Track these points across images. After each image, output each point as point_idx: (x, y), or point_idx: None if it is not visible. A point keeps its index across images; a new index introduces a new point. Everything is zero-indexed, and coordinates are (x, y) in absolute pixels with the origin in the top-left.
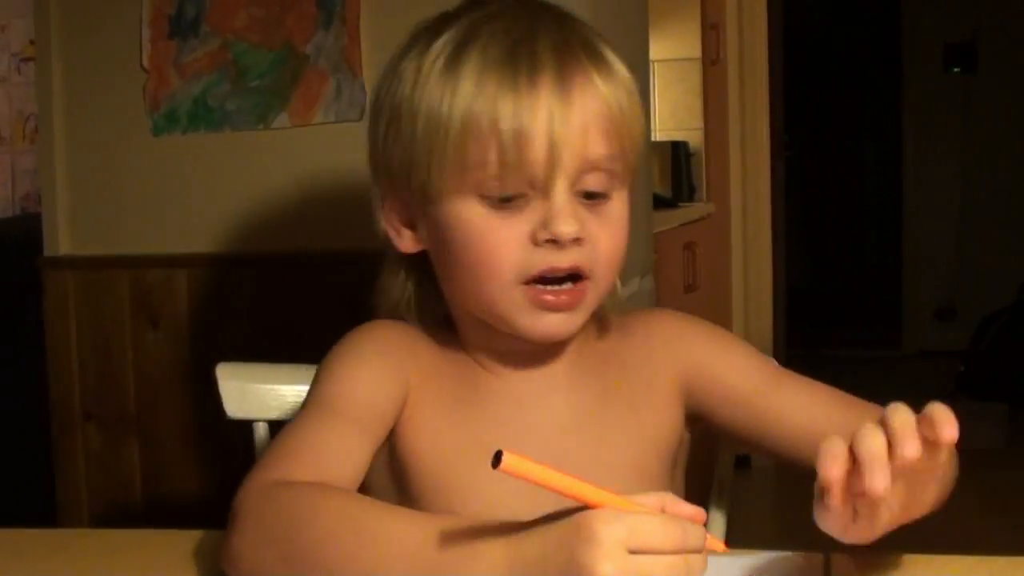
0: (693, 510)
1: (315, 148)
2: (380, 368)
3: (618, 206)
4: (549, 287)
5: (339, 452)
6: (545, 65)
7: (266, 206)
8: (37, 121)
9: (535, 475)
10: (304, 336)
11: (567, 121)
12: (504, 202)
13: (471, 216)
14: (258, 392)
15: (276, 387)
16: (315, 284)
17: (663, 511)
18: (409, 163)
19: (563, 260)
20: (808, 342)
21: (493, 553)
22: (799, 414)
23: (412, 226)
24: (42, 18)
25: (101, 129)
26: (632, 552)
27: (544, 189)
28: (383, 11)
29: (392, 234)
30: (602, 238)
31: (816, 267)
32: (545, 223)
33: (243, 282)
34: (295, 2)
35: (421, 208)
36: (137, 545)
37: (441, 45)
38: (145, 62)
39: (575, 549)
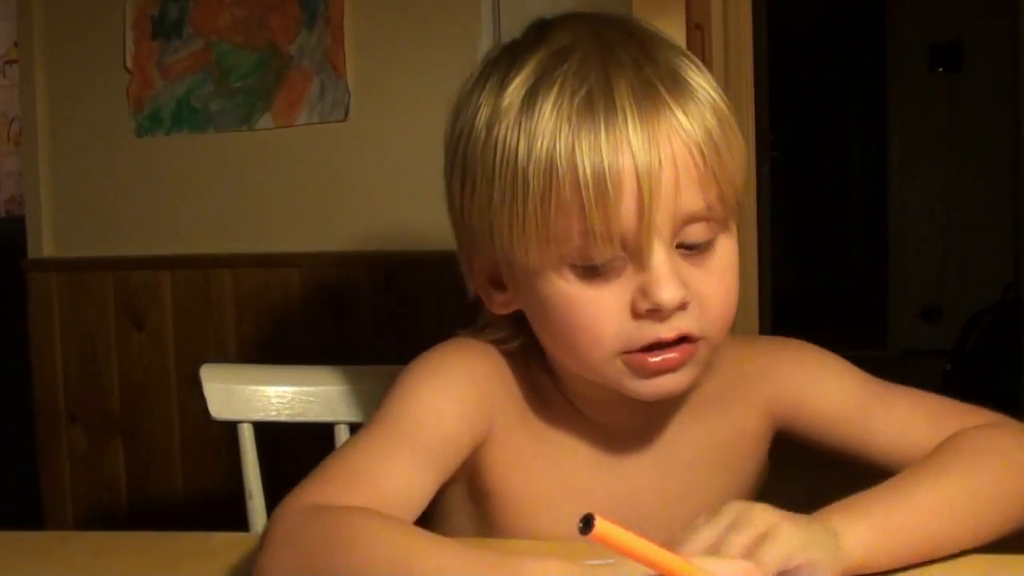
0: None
1: (299, 149)
2: (465, 396)
3: (724, 252)
4: (654, 352)
5: (400, 480)
6: (626, 115)
7: (250, 207)
8: (21, 123)
9: (626, 544)
10: (289, 338)
11: (656, 176)
12: (596, 270)
13: (562, 289)
14: (243, 393)
15: (261, 388)
16: (300, 285)
17: None
18: (490, 229)
19: (669, 331)
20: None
21: None
22: (896, 436)
23: (502, 286)
24: (25, 20)
25: (85, 131)
26: None
27: (638, 252)
28: (367, 11)
29: (482, 295)
30: (710, 293)
31: (802, 268)
32: (644, 291)
33: (228, 283)
34: (278, 3)
35: (508, 271)
36: (122, 547)
37: (510, 96)
38: (129, 63)
39: None
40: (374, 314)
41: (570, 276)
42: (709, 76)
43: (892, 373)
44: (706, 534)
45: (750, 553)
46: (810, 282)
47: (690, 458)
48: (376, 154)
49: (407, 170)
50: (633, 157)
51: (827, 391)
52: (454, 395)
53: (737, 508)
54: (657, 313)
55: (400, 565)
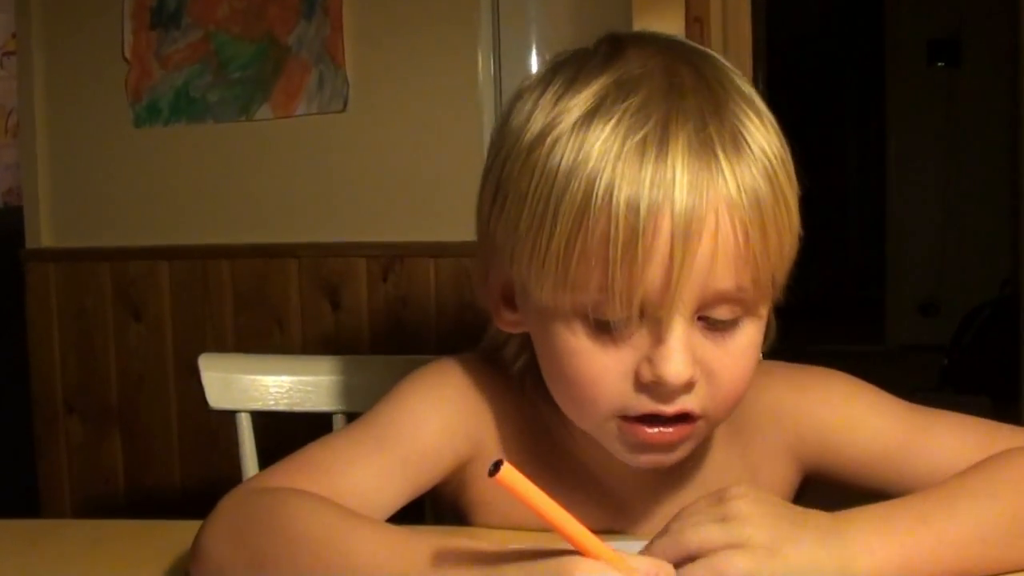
0: None
1: (298, 140)
2: (452, 413)
3: (747, 335)
4: (651, 424)
5: (362, 482)
6: (675, 174)
7: (249, 198)
8: (19, 114)
9: (530, 497)
10: (287, 328)
11: (692, 246)
12: (607, 326)
13: (568, 337)
14: (241, 382)
15: (259, 377)
16: (298, 276)
17: None
18: (511, 252)
19: (669, 407)
20: (792, 337)
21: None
22: (945, 471)
23: (513, 306)
24: (23, 11)
25: (83, 121)
26: None
27: (656, 321)
28: (366, 2)
29: (492, 308)
30: (723, 374)
31: (799, 262)
32: (652, 359)
33: (226, 274)
34: None
35: (521, 295)
36: (119, 535)
37: (563, 117)
38: (127, 53)
39: None
40: (372, 305)
41: (579, 329)
42: (774, 131)
43: (889, 368)
44: (694, 515)
45: (723, 554)
46: (808, 276)
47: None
48: (375, 145)
49: (406, 161)
50: (672, 219)
51: (861, 428)
52: (441, 410)
53: (737, 508)
54: (660, 388)
55: (323, 542)
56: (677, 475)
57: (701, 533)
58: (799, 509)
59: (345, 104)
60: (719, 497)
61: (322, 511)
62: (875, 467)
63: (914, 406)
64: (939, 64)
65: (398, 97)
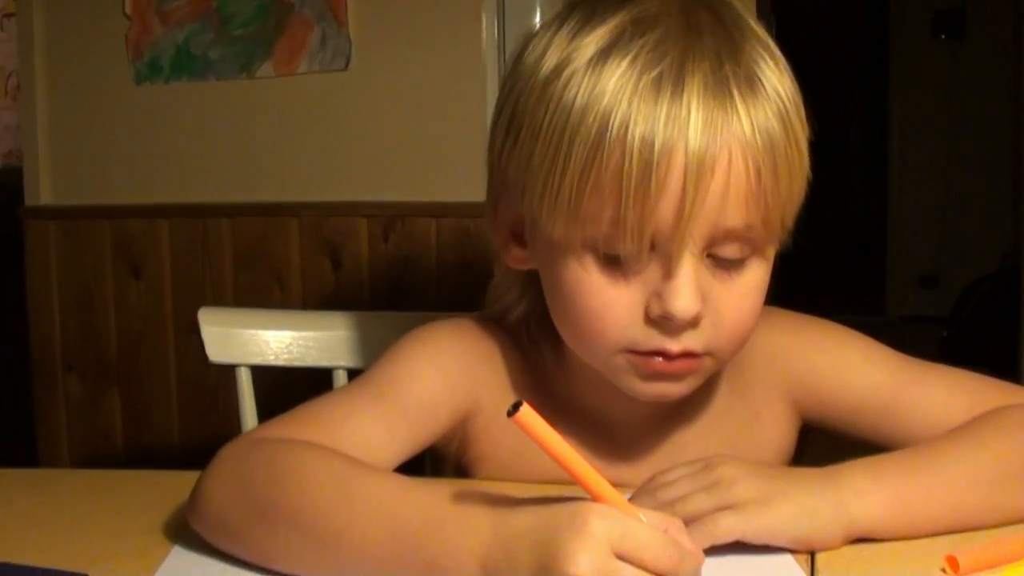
0: (696, 548)
1: (299, 98)
2: (449, 367)
3: (754, 275)
4: (659, 357)
5: (364, 434)
6: (690, 111)
7: (250, 156)
8: (19, 73)
9: (547, 440)
10: (287, 287)
11: (704, 181)
12: (617, 260)
13: (579, 271)
14: (241, 337)
15: (259, 332)
16: (299, 235)
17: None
18: (523, 186)
19: (675, 344)
20: (792, 308)
21: (480, 519)
22: (935, 421)
23: (522, 242)
24: None
25: (83, 78)
26: (618, 556)
27: (666, 256)
28: None
29: (499, 244)
30: (729, 313)
31: (800, 233)
32: (661, 295)
33: (226, 233)
34: None
35: (531, 231)
36: (117, 485)
37: (578, 53)
38: (128, 9)
39: (560, 531)
40: (373, 265)
41: (589, 263)
42: (788, 75)
43: (889, 339)
44: (680, 488)
45: (709, 517)
46: (809, 248)
47: (698, 449)
48: (377, 104)
49: (407, 120)
50: (686, 155)
51: (853, 377)
52: (438, 365)
53: (723, 472)
54: (668, 323)
55: (336, 488)
56: (679, 419)
57: (691, 504)
58: (787, 468)
59: (347, 63)
60: (704, 465)
61: (328, 459)
62: (866, 415)
63: (908, 358)
64: (943, 36)
65: (401, 56)
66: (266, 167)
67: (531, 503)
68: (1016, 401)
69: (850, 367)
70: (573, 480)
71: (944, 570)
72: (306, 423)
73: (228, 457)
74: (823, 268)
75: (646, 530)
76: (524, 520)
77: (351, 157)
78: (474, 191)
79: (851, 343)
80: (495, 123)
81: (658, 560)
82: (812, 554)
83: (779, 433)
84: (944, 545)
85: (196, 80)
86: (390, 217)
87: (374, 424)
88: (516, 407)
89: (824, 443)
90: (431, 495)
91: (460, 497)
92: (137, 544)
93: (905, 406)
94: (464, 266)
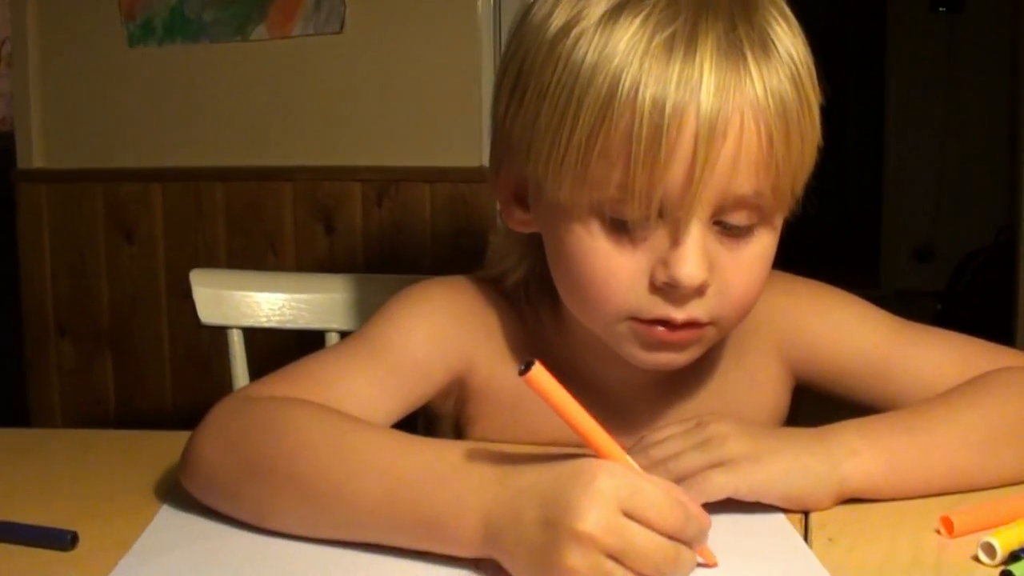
0: (702, 511)
1: (293, 61)
2: (442, 326)
3: (763, 243)
4: (665, 326)
5: (357, 392)
6: (702, 73)
7: (243, 120)
8: (11, 36)
9: (557, 398)
10: (280, 252)
11: (716, 147)
12: (624, 226)
13: (583, 235)
14: (232, 299)
15: (251, 294)
16: (292, 199)
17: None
18: (528, 147)
19: (679, 312)
20: None
21: (483, 475)
22: (927, 384)
23: (525, 205)
24: None
25: (76, 40)
26: (626, 514)
27: (674, 222)
28: None
29: (503, 206)
30: (735, 282)
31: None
32: (667, 261)
33: (219, 197)
34: None
35: (535, 193)
36: (108, 444)
37: (590, 11)
38: None
39: (568, 488)
40: (366, 230)
41: (595, 228)
42: (801, 38)
43: None
44: (672, 446)
45: (701, 475)
46: (803, 221)
47: (695, 414)
48: (372, 68)
49: (402, 84)
50: (697, 119)
51: (846, 339)
52: (428, 323)
53: (715, 429)
54: (673, 290)
55: (332, 444)
56: (676, 384)
57: (683, 461)
58: (780, 427)
59: (342, 25)
60: (696, 423)
61: (323, 416)
62: (859, 377)
63: (903, 321)
64: (941, 9)
65: (396, 20)
66: (260, 131)
67: (535, 460)
68: (1009, 364)
69: (844, 329)
70: (582, 440)
71: (939, 531)
72: (298, 381)
73: (220, 415)
74: (818, 241)
75: (654, 489)
76: (529, 476)
77: (345, 121)
78: (468, 156)
79: (846, 305)
80: (500, 82)
81: (665, 519)
82: (806, 515)
83: (774, 395)
84: (939, 506)
85: (190, 43)
86: (384, 182)
87: (367, 383)
88: (528, 366)
89: (816, 414)
90: (431, 452)
91: (461, 454)
92: (127, 503)
93: (898, 368)
94: (457, 231)
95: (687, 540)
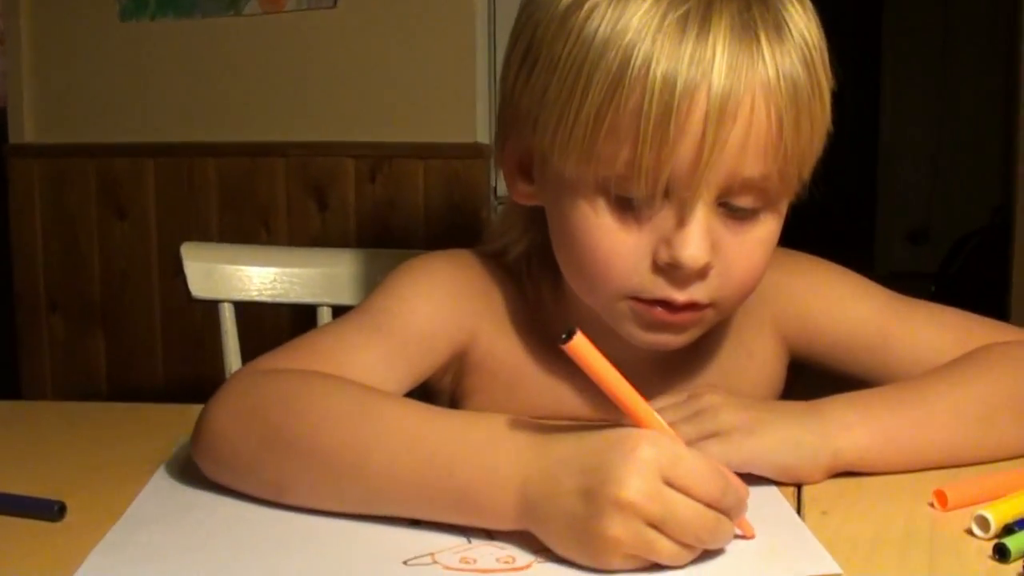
0: (740, 482)
1: (286, 36)
2: (445, 300)
3: (767, 227)
4: (666, 308)
5: (366, 366)
6: (714, 53)
7: (236, 95)
8: (3, 12)
9: (597, 368)
10: (273, 228)
11: (725, 128)
12: (630, 204)
13: (588, 211)
14: (224, 272)
15: (242, 268)
16: (285, 175)
17: None
18: (535, 120)
19: (681, 294)
20: None
21: (518, 445)
22: (923, 359)
23: (530, 177)
24: None
25: (67, 14)
26: (667, 483)
27: (681, 202)
28: None
29: (507, 178)
30: (737, 264)
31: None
32: (670, 241)
33: (212, 172)
34: None
35: (540, 167)
36: (99, 417)
37: None
38: None
39: (609, 456)
40: (359, 206)
41: (600, 204)
42: (814, 20)
43: None
44: (665, 416)
45: (694, 446)
46: (798, 203)
47: (691, 379)
48: (365, 43)
49: (396, 60)
50: (708, 99)
51: (842, 313)
52: (434, 297)
53: (708, 401)
54: (676, 271)
55: (358, 415)
56: (673, 360)
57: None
58: (773, 401)
59: (335, 0)
60: (689, 395)
61: (345, 387)
62: (854, 351)
63: (898, 295)
64: None
65: None
66: (252, 106)
67: (570, 430)
68: (1004, 338)
69: (840, 303)
70: (622, 410)
71: (932, 504)
72: (307, 356)
73: (236, 388)
74: (812, 223)
75: (695, 458)
76: (567, 446)
77: (338, 96)
78: (462, 132)
79: (841, 279)
80: (510, 52)
81: (705, 488)
82: (799, 488)
83: (770, 369)
84: (933, 480)
85: (182, 17)
86: (377, 158)
87: (375, 357)
88: (570, 335)
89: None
90: (462, 422)
91: (494, 424)
92: (116, 475)
93: (894, 342)
94: (451, 208)
95: (726, 510)
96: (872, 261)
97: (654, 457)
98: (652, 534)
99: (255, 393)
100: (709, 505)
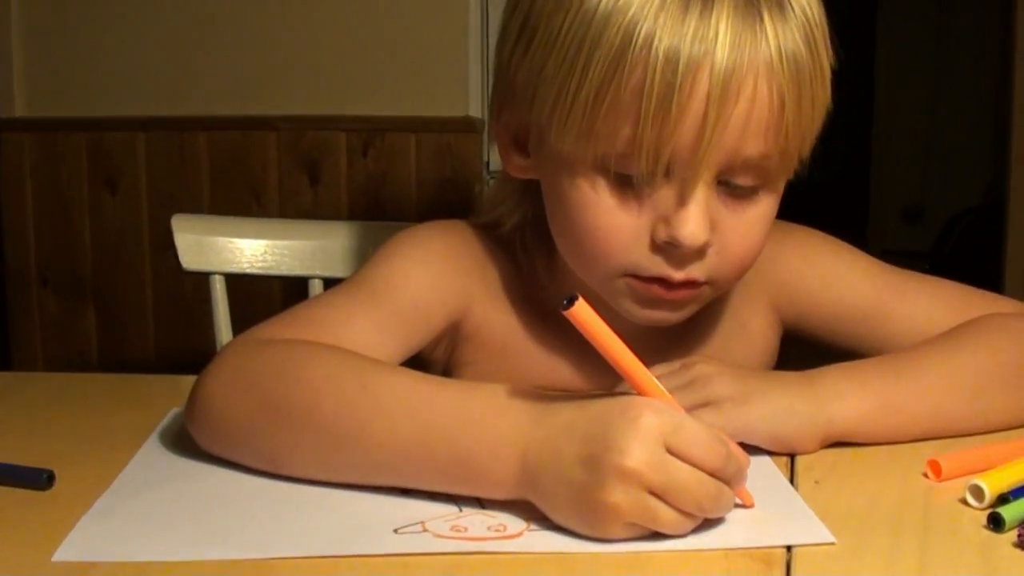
0: (740, 450)
1: (278, 8)
2: (440, 270)
3: (765, 206)
4: (663, 285)
5: (362, 336)
6: (717, 31)
7: (227, 68)
8: None
9: (599, 334)
10: (264, 202)
11: (728, 108)
12: (629, 181)
13: (586, 188)
14: (215, 244)
15: (233, 240)
16: (276, 149)
17: None
18: (532, 95)
19: (679, 272)
20: None
21: (519, 413)
22: (918, 330)
23: (525, 151)
24: None
25: None
26: (669, 451)
27: (681, 181)
28: None
29: (502, 151)
30: (736, 242)
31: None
32: (669, 220)
33: (203, 146)
34: None
35: (537, 141)
36: (90, 388)
37: None
38: None
39: (611, 424)
40: (351, 180)
41: (599, 182)
42: (816, 1)
43: None
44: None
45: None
46: (791, 181)
47: (684, 351)
48: (357, 16)
49: (389, 33)
50: (711, 78)
51: (837, 286)
52: (429, 267)
53: (701, 370)
54: (674, 250)
55: (357, 385)
56: (666, 333)
57: None
58: (766, 371)
59: None
60: (681, 365)
61: (343, 357)
62: (849, 323)
63: (893, 268)
64: None
65: None
66: (244, 80)
67: (571, 398)
68: (1000, 310)
69: (834, 275)
70: (623, 376)
71: (926, 475)
72: (303, 326)
73: (231, 358)
74: (806, 202)
75: (697, 426)
76: (568, 414)
77: (330, 71)
78: (454, 106)
79: (836, 251)
80: (506, 23)
81: (707, 456)
82: (792, 458)
83: (764, 341)
84: (927, 451)
85: None
86: (369, 132)
87: (370, 327)
88: (571, 301)
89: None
90: (463, 391)
91: (495, 393)
92: (105, 445)
93: (888, 314)
94: (443, 181)
95: (727, 478)
96: (866, 240)
97: (656, 425)
98: (653, 502)
99: (251, 363)
100: (711, 473)
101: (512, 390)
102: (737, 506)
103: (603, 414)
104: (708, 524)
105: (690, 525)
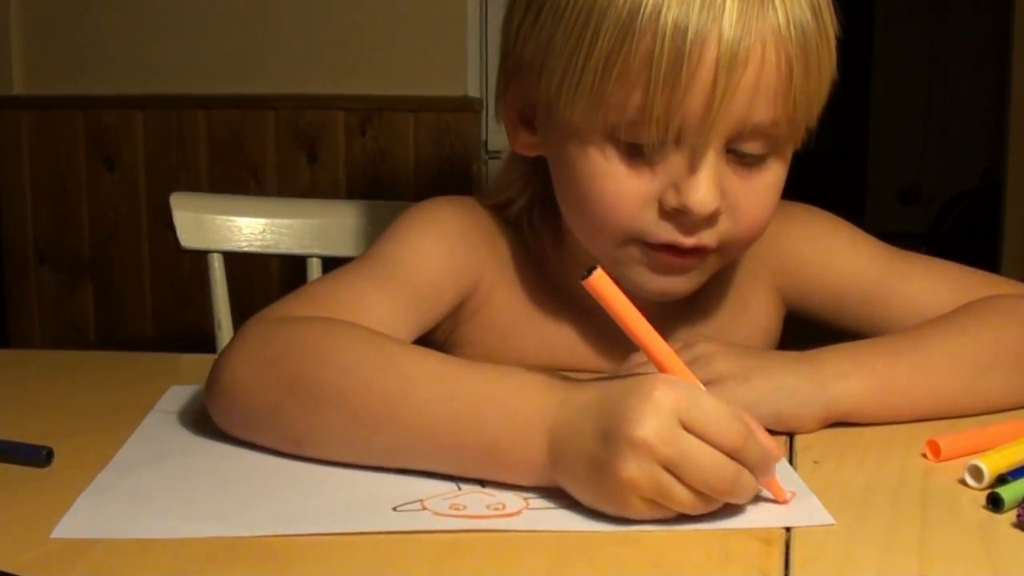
0: (769, 438)
1: None
2: (453, 248)
3: (775, 173)
4: (673, 252)
5: (377, 314)
6: (724, 2)
7: (226, 47)
8: None
9: (617, 305)
10: (262, 181)
11: (737, 74)
12: (639, 149)
13: (598, 158)
14: (213, 223)
15: (232, 218)
16: (275, 128)
17: None
18: (540, 68)
19: (689, 239)
20: None
21: (544, 396)
22: (919, 311)
23: (532, 127)
24: None
25: None
26: (684, 427)
27: (691, 148)
28: None
29: (508, 128)
30: (746, 210)
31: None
32: (679, 187)
33: (201, 124)
34: None
35: (544, 116)
36: (89, 365)
37: None
38: None
39: (626, 399)
40: (349, 158)
41: (609, 150)
42: None
43: None
44: None
45: None
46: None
47: (686, 333)
48: None
49: (387, 12)
50: (719, 45)
51: (837, 265)
52: (442, 245)
53: (702, 348)
54: (684, 217)
55: (385, 366)
56: (669, 312)
57: None
58: (767, 350)
59: None
60: (683, 344)
61: (369, 337)
62: (850, 303)
63: (894, 249)
64: None
65: None
66: (243, 58)
67: (594, 380)
68: (1001, 291)
69: (835, 254)
70: (641, 348)
71: (925, 455)
72: (321, 304)
73: (252, 335)
74: (802, 183)
75: (714, 403)
76: (590, 393)
77: (329, 48)
78: (453, 85)
79: (837, 230)
80: (511, 2)
81: (723, 434)
82: (791, 437)
83: (766, 320)
84: (926, 431)
85: None
86: (367, 111)
87: (387, 306)
88: (590, 271)
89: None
90: (491, 375)
91: (515, 376)
92: (105, 422)
93: (889, 295)
94: (441, 160)
95: (748, 462)
96: (862, 221)
97: (671, 399)
98: (667, 477)
99: (275, 341)
100: (728, 454)
101: (539, 375)
102: (766, 500)
103: (620, 390)
104: (729, 510)
105: (704, 508)
